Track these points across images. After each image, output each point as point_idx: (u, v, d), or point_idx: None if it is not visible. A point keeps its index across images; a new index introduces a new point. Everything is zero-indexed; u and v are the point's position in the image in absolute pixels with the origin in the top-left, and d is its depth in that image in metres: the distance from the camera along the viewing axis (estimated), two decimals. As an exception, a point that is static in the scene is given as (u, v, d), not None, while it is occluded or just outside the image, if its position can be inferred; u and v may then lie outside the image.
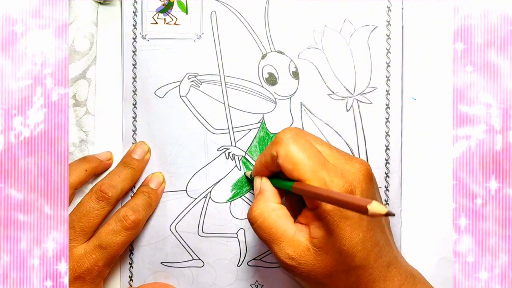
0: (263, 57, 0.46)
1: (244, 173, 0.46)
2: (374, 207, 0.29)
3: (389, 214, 0.28)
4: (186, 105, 0.46)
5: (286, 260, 0.37)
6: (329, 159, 0.38)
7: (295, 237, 0.37)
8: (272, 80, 0.46)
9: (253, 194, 0.46)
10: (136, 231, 0.44)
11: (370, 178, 0.38)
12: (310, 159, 0.37)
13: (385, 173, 0.46)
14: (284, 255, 0.37)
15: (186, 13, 0.47)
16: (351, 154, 0.39)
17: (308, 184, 0.36)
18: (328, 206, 0.36)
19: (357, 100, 0.46)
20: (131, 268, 0.47)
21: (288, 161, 0.37)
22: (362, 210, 0.30)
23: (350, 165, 0.38)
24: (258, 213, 0.39)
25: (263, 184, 0.41)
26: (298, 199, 0.41)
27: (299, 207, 0.40)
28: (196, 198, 0.47)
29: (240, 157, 0.46)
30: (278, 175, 0.41)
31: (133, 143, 0.47)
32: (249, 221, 0.40)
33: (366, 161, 0.38)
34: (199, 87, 0.47)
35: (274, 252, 0.38)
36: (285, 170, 0.37)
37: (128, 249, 0.47)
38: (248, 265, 0.47)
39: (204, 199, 0.47)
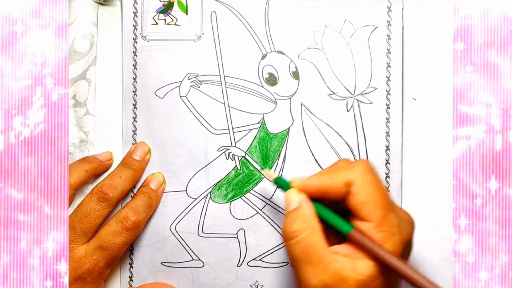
0: (263, 57, 0.46)
1: (262, 169, 0.45)
2: None
3: None
4: (186, 105, 0.46)
5: (318, 286, 0.34)
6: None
7: (332, 265, 0.34)
8: (272, 80, 0.46)
9: (253, 195, 0.46)
10: (136, 232, 0.44)
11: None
12: (383, 197, 0.34)
13: (386, 173, 0.46)
14: (319, 280, 0.34)
15: (186, 13, 0.47)
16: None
17: (372, 242, 0.33)
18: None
19: (357, 100, 0.46)
20: (131, 268, 0.47)
21: (365, 192, 0.34)
22: None
23: (402, 212, 0.37)
24: (298, 230, 0.36)
25: (303, 200, 0.37)
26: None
27: (334, 232, 0.38)
28: (196, 199, 0.47)
29: (240, 158, 0.46)
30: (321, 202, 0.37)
31: (133, 144, 0.47)
32: (285, 236, 0.36)
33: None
34: (199, 87, 0.47)
35: (304, 274, 0.35)
36: (356, 202, 0.35)
37: (128, 249, 0.47)
38: (248, 265, 0.47)
39: (204, 199, 0.47)
